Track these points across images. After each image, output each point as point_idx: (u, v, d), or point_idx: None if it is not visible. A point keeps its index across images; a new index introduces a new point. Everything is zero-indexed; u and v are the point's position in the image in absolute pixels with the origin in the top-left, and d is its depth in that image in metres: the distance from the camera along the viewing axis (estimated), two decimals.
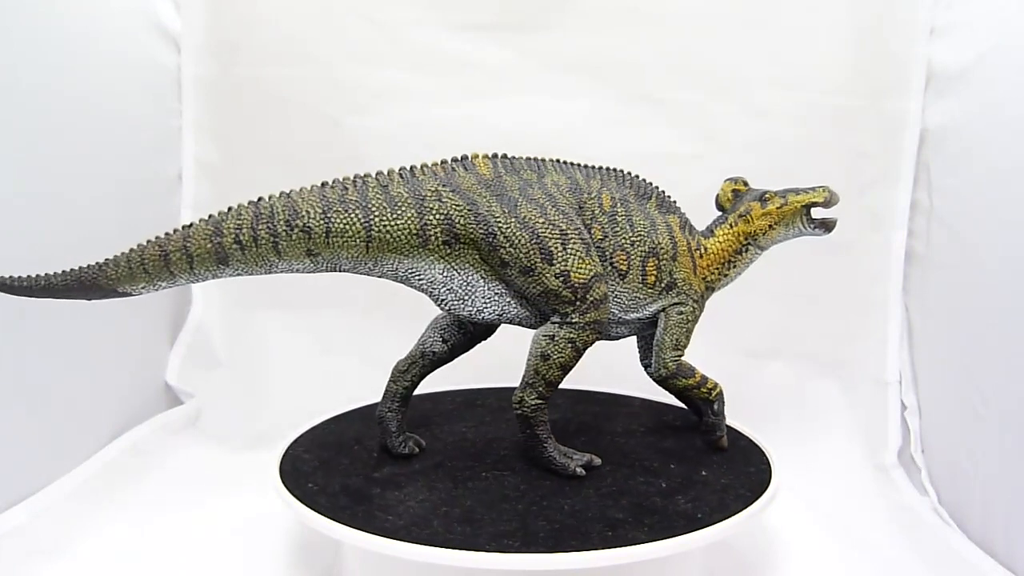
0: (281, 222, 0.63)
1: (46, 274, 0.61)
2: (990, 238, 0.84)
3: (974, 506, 0.82)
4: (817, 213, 0.78)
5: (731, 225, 0.78)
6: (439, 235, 0.65)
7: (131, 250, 0.62)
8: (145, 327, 1.02)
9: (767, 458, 0.73)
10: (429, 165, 0.67)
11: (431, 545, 0.55)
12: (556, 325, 0.67)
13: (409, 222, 0.64)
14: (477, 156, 0.68)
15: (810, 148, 1.06)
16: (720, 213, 0.80)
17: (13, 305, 0.75)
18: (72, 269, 0.61)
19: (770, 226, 0.77)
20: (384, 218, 0.64)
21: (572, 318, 0.66)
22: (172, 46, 1.07)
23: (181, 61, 1.08)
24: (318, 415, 0.84)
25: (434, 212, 0.65)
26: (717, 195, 0.80)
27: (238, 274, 0.64)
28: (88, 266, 0.62)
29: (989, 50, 0.88)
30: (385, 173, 0.66)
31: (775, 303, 1.10)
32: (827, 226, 0.78)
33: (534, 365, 0.67)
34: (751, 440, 0.78)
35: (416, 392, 0.76)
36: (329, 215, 0.63)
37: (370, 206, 0.64)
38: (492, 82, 1.09)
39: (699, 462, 0.72)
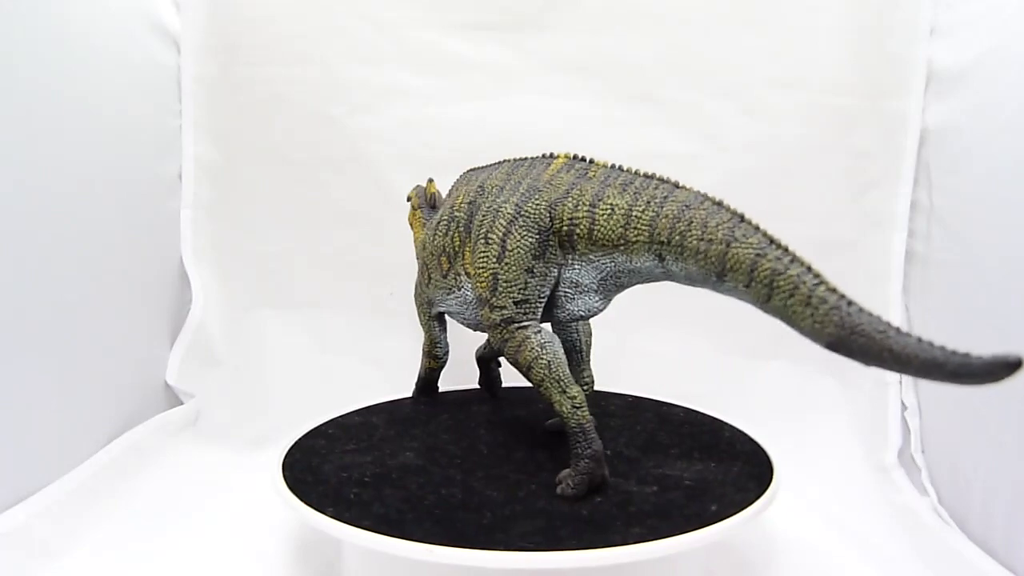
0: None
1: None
2: (990, 238, 0.84)
3: (974, 506, 0.82)
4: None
5: None
6: None
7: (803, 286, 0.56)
8: (145, 327, 1.02)
9: (767, 458, 0.73)
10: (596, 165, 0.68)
11: (432, 543, 0.55)
12: None
13: None
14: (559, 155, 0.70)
15: (810, 148, 1.06)
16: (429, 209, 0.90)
17: (13, 305, 0.76)
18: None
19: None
20: None
21: None
22: (172, 46, 1.07)
23: (181, 61, 1.08)
24: (318, 415, 0.84)
25: None
26: (432, 195, 0.90)
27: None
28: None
29: (989, 50, 0.88)
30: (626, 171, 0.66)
31: None
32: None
33: (589, 344, 0.75)
34: (751, 440, 0.78)
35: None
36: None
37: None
38: (492, 82, 1.09)
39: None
